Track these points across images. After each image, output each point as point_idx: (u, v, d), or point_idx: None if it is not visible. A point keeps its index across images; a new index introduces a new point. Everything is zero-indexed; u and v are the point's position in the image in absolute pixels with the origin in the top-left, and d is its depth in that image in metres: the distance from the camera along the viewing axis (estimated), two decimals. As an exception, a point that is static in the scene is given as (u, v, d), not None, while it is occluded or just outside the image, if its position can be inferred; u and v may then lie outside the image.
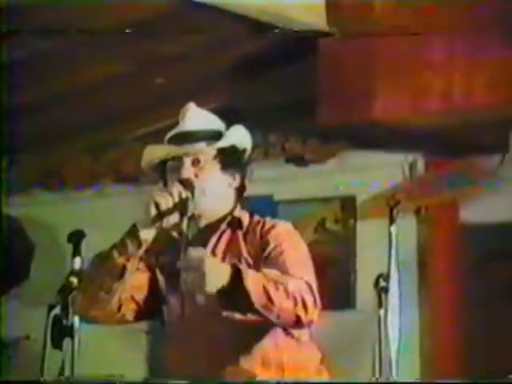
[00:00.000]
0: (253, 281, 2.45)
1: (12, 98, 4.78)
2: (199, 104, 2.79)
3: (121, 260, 2.61)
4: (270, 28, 4.30)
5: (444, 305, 5.25)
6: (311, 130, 5.10)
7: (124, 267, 2.61)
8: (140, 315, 2.74)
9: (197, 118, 2.71)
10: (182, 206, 2.56)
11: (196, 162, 2.66)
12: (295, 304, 2.51)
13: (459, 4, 4.27)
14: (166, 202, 2.55)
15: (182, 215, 2.55)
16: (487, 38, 4.31)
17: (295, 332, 2.68)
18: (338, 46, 4.57)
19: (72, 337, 2.73)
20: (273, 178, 5.42)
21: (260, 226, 2.70)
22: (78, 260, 2.97)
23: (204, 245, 2.65)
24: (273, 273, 2.54)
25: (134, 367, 4.97)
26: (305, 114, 4.71)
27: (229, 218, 2.70)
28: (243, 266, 2.50)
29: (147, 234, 2.60)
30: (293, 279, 2.54)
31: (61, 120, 5.41)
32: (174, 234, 2.67)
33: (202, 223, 2.70)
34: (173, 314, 2.70)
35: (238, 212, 2.73)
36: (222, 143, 2.67)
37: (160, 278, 2.72)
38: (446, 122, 4.66)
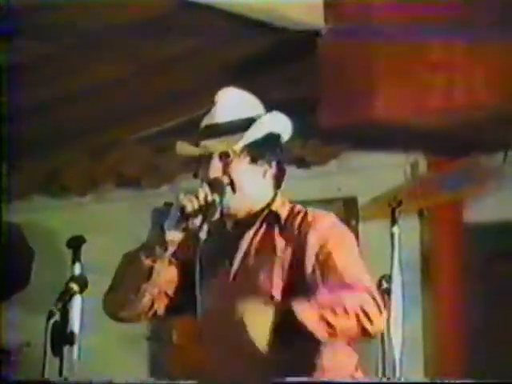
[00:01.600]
0: (307, 313, 2.39)
1: (11, 101, 4.77)
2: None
3: (147, 262, 2.59)
4: (268, 28, 4.29)
5: (448, 305, 5.23)
6: (312, 131, 5.07)
7: (151, 269, 2.59)
8: (172, 309, 2.70)
9: (228, 107, 2.64)
10: (206, 210, 2.54)
11: (224, 157, 2.60)
12: (358, 320, 2.44)
13: (458, 2, 4.25)
14: (192, 205, 2.53)
15: (204, 219, 2.53)
16: (487, 36, 4.28)
17: None
18: (337, 46, 4.55)
19: (72, 344, 2.72)
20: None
21: (299, 218, 2.63)
22: (77, 266, 2.95)
23: (239, 240, 2.61)
24: (325, 297, 2.45)
25: (136, 373, 4.93)
26: (305, 114, 4.67)
27: (266, 212, 2.64)
28: (294, 303, 2.41)
29: (174, 236, 2.57)
30: (348, 294, 2.46)
31: (60, 124, 5.40)
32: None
33: (240, 216, 2.63)
34: (206, 308, 2.65)
35: (276, 204, 2.66)
36: (248, 138, 2.60)
37: (195, 268, 2.66)
38: (447, 121, 4.64)
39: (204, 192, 2.54)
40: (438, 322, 5.19)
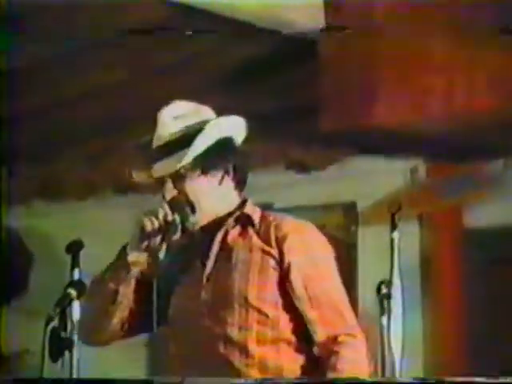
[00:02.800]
0: None
1: (10, 107, 4.76)
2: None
3: (111, 286, 2.61)
4: (269, 32, 4.28)
5: (448, 310, 5.22)
6: (312, 136, 5.07)
7: (116, 292, 2.61)
8: (140, 327, 2.70)
9: (169, 124, 2.63)
10: (165, 230, 2.55)
11: (175, 176, 2.60)
12: None
13: (460, 4, 4.25)
14: (152, 225, 2.54)
15: (163, 239, 2.55)
16: (489, 40, 4.28)
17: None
18: (338, 51, 4.54)
19: (70, 350, 2.70)
20: (273, 185, 5.39)
21: (275, 224, 2.62)
22: (76, 271, 2.94)
23: (210, 241, 2.61)
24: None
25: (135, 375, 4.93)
26: (305, 119, 4.68)
27: (237, 214, 2.64)
28: None
29: (136, 257, 2.59)
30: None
31: (59, 129, 5.39)
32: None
33: (204, 225, 2.63)
34: (175, 315, 2.65)
35: (248, 208, 2.65)
36: (192, 153, 2.58)
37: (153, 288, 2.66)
38: (447, 127, 4.63)
39: (163, 212, 2.55)
40: (438, 327, 5.18)
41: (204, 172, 2.60)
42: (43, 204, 6.30)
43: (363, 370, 2.59)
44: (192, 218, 2.59)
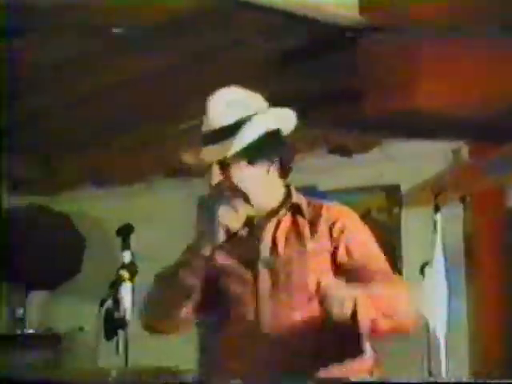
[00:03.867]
0: (365, 313, 2.44)
1: (57, 94, 4.84)
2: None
3: (189, 281, 2.61)
4: (308, 21, 4.31)
5: (491, 292, 5.21)
6: (354, 120, 5.10)
7: (193, 287, 2.62)
8: (201, 312, 2.73)
9: (220, 111, 2.64)
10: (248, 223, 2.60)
11: (224, 164, 2.63)
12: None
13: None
14: (236, 225, 2.59)
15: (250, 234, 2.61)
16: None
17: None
18: (377, 35, 4.56)
19: (124, 328, 2.80)
20: (317, 169, 5.43)
21: (323, 213, 2.67)
22: (127, 253, 3.04)
23: (261, 231, 2.65)
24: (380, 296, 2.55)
25: (185, 358, 5.01)
26: (347, 103, 4.71)
27: (288, 204, 2.68)
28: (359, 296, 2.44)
29: (210, 251, 2.60)
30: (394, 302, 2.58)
31: (108, 116, 5.46)
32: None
33: (259, 217, 2.68)
34: (233, 305, 2.69)
35: (294, 197, 2.70)
36: (240, 143, 2.60)
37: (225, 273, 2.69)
38: (489, 108, 4.63)
39: (244, 208, 2.58)
40: (482, 308, 5.17)
41: (250, 162, 2.63)
42: (93, 189, 6.40)
43: (402, 306, 2.61)
44: (248, 209, 2.61)
